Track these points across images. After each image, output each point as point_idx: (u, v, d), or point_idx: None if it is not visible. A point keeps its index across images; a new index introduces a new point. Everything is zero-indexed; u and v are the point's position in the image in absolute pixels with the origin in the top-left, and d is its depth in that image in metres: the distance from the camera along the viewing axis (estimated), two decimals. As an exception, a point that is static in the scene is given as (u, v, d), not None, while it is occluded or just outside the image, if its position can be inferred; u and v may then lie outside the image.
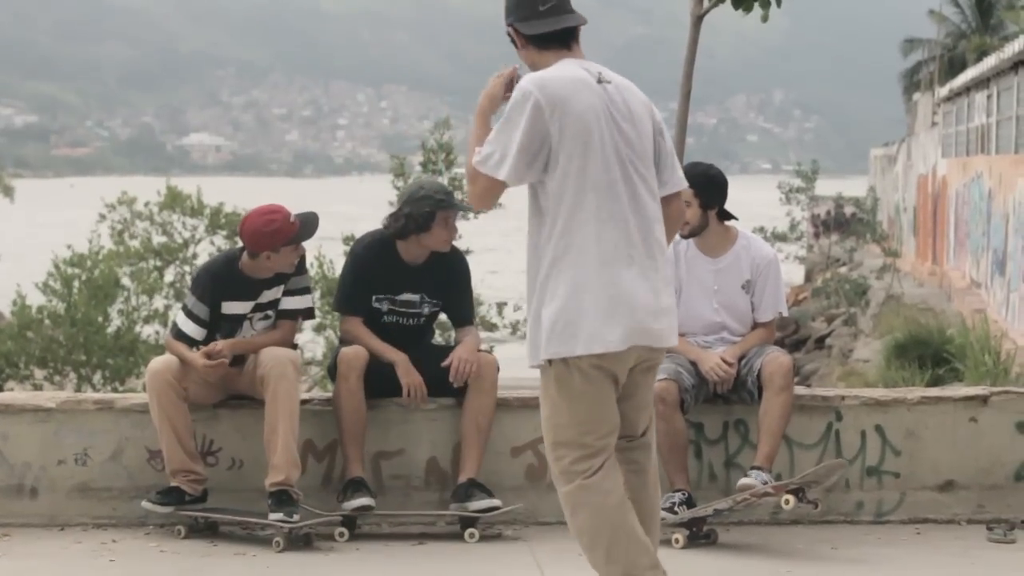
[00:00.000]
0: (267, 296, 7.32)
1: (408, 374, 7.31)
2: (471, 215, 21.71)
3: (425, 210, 7.28)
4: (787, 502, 6.81)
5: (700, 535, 7.04)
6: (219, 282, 7.30)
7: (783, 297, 7.55)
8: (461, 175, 21.96)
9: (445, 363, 7.28)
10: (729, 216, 7.44)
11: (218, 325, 7.31)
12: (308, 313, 7.50)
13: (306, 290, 7.44)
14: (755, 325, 7.43)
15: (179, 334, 7.32)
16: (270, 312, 7.35)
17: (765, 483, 6.96)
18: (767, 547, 6.97)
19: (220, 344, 7.21)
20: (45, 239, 35.80)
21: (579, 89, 5.24)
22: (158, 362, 7.25)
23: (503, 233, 43.64)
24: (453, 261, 7.51)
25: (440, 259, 7.45)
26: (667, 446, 7.09)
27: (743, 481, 7.02)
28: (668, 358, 7.29)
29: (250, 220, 7.23)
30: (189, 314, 7.32)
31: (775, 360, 7.17)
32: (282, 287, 7.33)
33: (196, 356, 7.18)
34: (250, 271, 7.28)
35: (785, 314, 7.69)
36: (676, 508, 7.01)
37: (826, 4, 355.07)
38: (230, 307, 7.31)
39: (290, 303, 7.37)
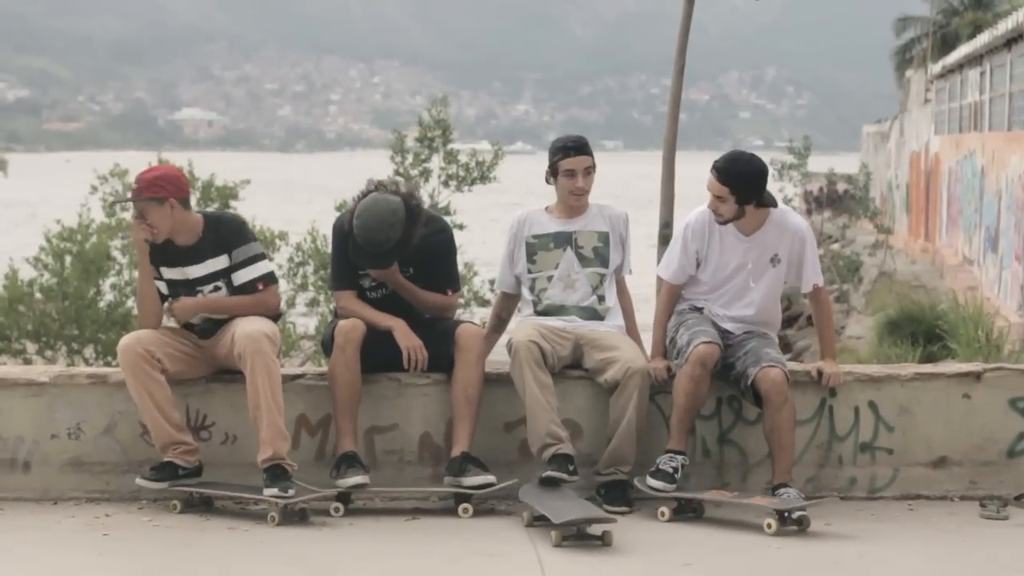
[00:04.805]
0: (206, 269, 7.23)
1: (407, 337, 7.25)
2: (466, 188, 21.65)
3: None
4: (769, 526, 6.81)
5: (688, 509, 7.08)
6: (153, 246, 7.24)
7: (818, 268, 7.44)
8: (456, 151, 21.89)
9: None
10: (766, 204, 7.26)
11: (173, 293, 7.28)
12: (268, 279, 7.33)
13: (257, 258, 7.30)
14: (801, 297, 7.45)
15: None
16: (219, 284, 7.26)
17: (799, 495, 6.96)
18: (759, 522, 6.96)
19: (189, 302, 7.20)
20: (40, 213, 35.70)
21: None
22: (128, 337, 7.17)
23: (501, 208, 43.55)
24: (434, 231, 7.42)
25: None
26: (688, 408, 7.11)
27: (783, 498, 6.92)
28: (704, 320, 7.29)
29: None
30: None
31: (766, 377, 7.06)
32: (221, 259, 7.23)
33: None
34: None
35: (820, 284, 7.46)
36: (676, 475, 7.02)
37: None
38: (169, 273, 7.27)
39: (244, 276, 7.26)
